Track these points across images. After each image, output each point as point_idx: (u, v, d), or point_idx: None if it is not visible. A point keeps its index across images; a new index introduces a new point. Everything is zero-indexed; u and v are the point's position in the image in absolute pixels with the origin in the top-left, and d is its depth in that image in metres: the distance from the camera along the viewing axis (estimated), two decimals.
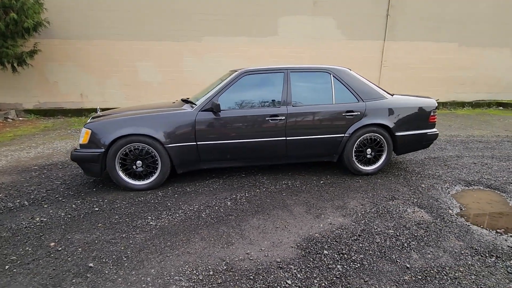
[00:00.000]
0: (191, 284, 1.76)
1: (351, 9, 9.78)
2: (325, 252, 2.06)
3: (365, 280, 1.79)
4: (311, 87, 3.45)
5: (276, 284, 1.75)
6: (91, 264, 1.94)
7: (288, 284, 1.75)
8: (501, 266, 1.92)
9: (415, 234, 2.28)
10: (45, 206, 2.79)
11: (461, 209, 2.72)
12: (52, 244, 2.18)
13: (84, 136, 3.05)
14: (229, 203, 2.84)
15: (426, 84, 10.76)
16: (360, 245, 2.14)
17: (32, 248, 2.12)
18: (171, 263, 1.95)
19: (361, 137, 3.44)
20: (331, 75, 3.48)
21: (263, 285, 1.74)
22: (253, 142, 3.26)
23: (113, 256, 2.03)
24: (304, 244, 2.16)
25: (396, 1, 9.93)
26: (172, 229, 2.37)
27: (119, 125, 3.05)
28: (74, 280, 1.80)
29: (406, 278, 1.80)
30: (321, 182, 3.37)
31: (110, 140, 2.99)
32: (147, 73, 9.10)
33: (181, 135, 3.13)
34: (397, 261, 1.96)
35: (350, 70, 3.63)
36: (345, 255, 2.02)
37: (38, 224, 2.46)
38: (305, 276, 1.82)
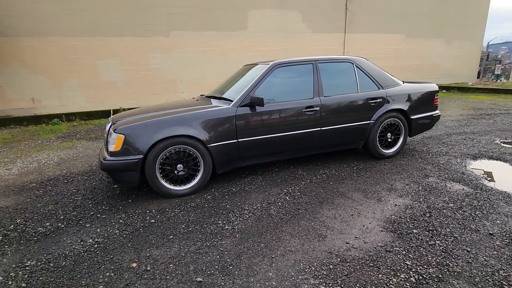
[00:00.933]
0: (321, 280, 1.72)
1: (314, 2, 10.14)
2: (415, 231, 2.18)
3: (468, 250, 1.95)
4: (337, 77, 3.54)
5: (398, 267, 1.81)
6: (199, 279, 1.77)
7: (409, 264, 1.83)
8: None
9: (473, 205, 2.54)
10: (87, 225, 2.43)
11: (487, 179, 3.09)
12: (134, 264, 1.92)
13: (116, 142, 2.71)
14: (287, 197, 2.81)
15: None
16: (438, 221, 2.31)
17: (114, 274, 1.84)
18: (283, 263, 1.88)
19: (383, 123, 3.66)
20: (353, 65, 3.63)
21: (388, 270, 1.79)
22: (291, 135, 3.25)
23: (216, 266, 1.87)
24: (391, 227, 2.25)
25: None
26: (254, 230, 2.27)
27: (157, 127, 2.77)
28: None
29: (498, 243, 2.01)
30: (354, 168, 3.52)
31: (150, 144, 2.72)
32: (110, 72, 8.31)
33: (223, 133, 2.98)
34: (478, 230, 2.17)
35: (367, 59, 3.81)
36: (434, 231, 2.17)
37: (96, 246, 2.14)
38: (416, 255, 1.92)
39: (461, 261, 1.84)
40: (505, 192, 2.75)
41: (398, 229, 2.22)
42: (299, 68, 3.40)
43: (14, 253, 2.09)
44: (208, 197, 2.89)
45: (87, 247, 2.12)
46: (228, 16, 9.14)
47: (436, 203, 2.59)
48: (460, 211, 2.43)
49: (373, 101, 3.57)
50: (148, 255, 2.02)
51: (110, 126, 2.99)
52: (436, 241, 2.04)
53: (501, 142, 4.36)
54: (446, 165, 3.49)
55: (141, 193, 3.02)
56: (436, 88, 4.04)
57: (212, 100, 3.41)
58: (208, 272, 1.83)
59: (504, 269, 1.75)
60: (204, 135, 2.89)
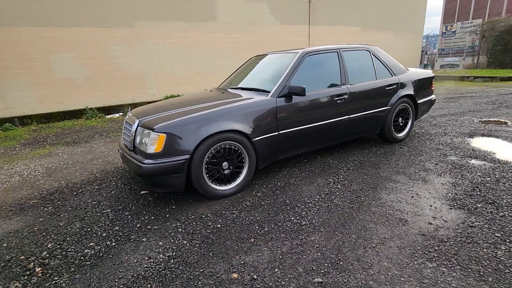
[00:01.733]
0: (438, 262, 1.73)
1: None
2: (479, 205, 2.33)
3: None
4: (357, 65, 3.59)
5: (493, 240, 1.91)
6: (318, 279, 1.65)
7: (499, 236, 1.94)
8: None
9: (506, 176, 2.80)
10: (143, 240, 2.10)
11: (495, 153, 3.44)
12: (235, 275, 1.71)
13: (157, 142, 2.38)
14: (338, 186, 2.78)
15: None
16: (490, 193, 2.50)
17: None
18: (389, 252, 1.85)
19: (397, 108, 3.84)
20: (370, 53, 3.71)
21: (487, 244, 1.88)
22: (324, 124, 3.22)
23: (325, 264, 1.77)
24: (455, 204, 2.37)
25: None
26: (334, 222, 2.19)
27: (203, 123, 2.50)
28: None
29: None
30: (378, 153, 3.64)
31: (197, 142, 2.45)
32: (67, 67, 7.33)
33: (266, 125, 2.82)
34: None
35: (379, 48, 3.94)
36: (495, 203, 2.34)
37: (173, 261, 1.86)
38: (498, 226, 2.04)
39: None
40: None
41: (463, 205, 2.34)
42: (326, 56, 3.36)
43: (72, 284, 1.71)
44: (258, 194, 2.72)
45: (163, 264, 1.83)
46: (197, 6, 8.69)
47: (475, 178, 2.80)
48: (501, 183, 2.67)
49: (390, 87, 3.71)
50: (242, 262, 1.82)
51: (138, 125, 2.62)
52: (505, 212, 2.21)
53: (480, 121, 4.90)
54: (454, 144, 3.80)
55: (176, 197, 2.72)
56: (432, 74, 4.36)
57: (241, 92, 3.19)
58: (321, 271, 1.71)
59: None
60: (249, 129, 2.69)
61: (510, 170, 2.93)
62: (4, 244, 2.14)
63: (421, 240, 1.94)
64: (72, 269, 1.84)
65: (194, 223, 2.28)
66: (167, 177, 2.43)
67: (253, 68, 3.67)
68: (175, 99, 3.58)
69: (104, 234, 2.19)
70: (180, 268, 1.80)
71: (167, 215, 2.42)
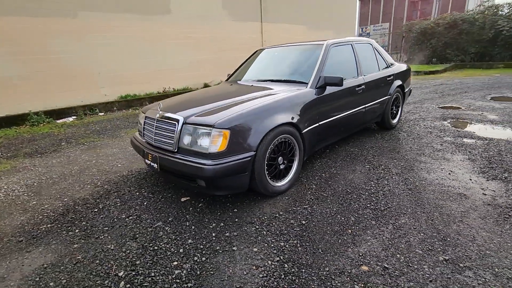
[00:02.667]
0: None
1: None
2: (506, 175, 2.69)
3: None
4: (365, 57, 3.78)
5: None
6: (444, 257, 1.70)
7: None
8: None
9: (504, 149, 3.29)
10: (234, 249, 1.86)
11: (474, 132, 4.02)
12: (365, 267, 1.65)
13: (222, 140, 2.13)
14: (381, 171, 2.90)
15: None
16: (506, 164, 2.90)
17: (356, 283, 1.54)
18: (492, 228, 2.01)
19: (393, 96, 4.18)
20: (372, 46, 3.95)
21: None
22: (348, 114, 3.31)
23: (448, 239, 1.83)
24: (488, 176, 2.69)
25: None
26: (413, 204, 2.28)
27: (262, 116, 2.33)
28: None
29: None
30: (386, 139, 3.90)
31: (262, 136, 2.27)
32: None
33: (310, 117, 2.77)
34: None
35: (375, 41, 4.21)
36: None
37: (286, 264, 1.69)
38: None
39: None
40: (504, 139, 3.68)
41: (495, 176, 2.68)
42: (344, 48, 3.45)
43: None
44: (312, 187, 2.66)
45: (279, 270, 1.66)
46: None
47: (483, 153, 3.22)
48: (504, 155, 3.12)
49: (389, 78, 4.00)
50: (359, 254, 1.76)
51: (183, 123, 2.30)
52: None
53: (440, 107, 5.66)
54: (439, 127, 4.31)
55: (226, 200, 2.48)
56: (409, 67, 4.86)
57: (272, 84, 3.06)
58: (438, 249, 1.77)
59: None
60: (299, 121, 2.61)
61: (500, 144, 3.45)
62: (52, 284, 1.65)
63: (492, 209, 2.16)
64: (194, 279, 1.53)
65: (273, 223, 2.12)
66: (231, 178, 2.19)
67: (270, 61, 3.56)
68: (195, 93, 3.26)
69: (180, 250, 1.87)
70: (303, 271, 1.65)
71: (236, 219, 2.19)
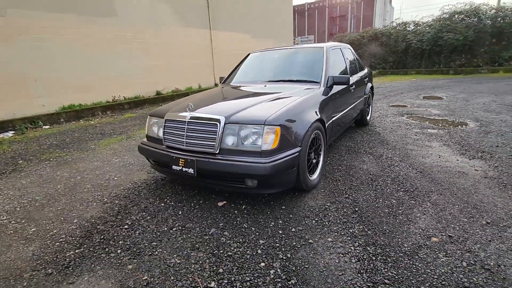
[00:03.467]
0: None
1: None
2: (480, 154, 3.25)
3: None
4: (348, 60, 4.13)
5: None
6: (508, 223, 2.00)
7: None
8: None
9: (463, 135, 3.95)
10: (310, 242, 1.86)
11: (433, 123, 4.74)
12: (435, 239, 1.84)
13: (274, 137, 2.12)
14: (387, 160, 3.21)
15: None
16: (475, 146, 3.50)
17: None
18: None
19: (368, 96, 4.66)
20: (351, 50, 4.35)
21: None
22: (348, 110, 3.59)
23: (484, 209, 2.14)
24: (469, 156, 3.21)
25: None
26: (436, 184, 2.59)
27: (301, 113, 2.40)
28: None
29: None
30: (369, 135, 4.31)
31: (304, 131, 2.34)
32: None
33: (327, 114, 2.92)
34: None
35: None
36: (485, 151, 3.32)
37: (368, 247, 1.78)
38: (510, 161, 2.97)
39: None
40: (457, 127, 4.41)
41: (474, 156, 3.21)
42: (337, 51, 3.72)
43: None
44: (338, 178, 2.80)
45: (364, 253, 1.73)
46: None
47: (451, 140, 3.82)
48: (471, 139, 3.76)
49: (365, 79, 4.46)
50: (421, 229, 1.95)
51: (225, 123, 2.21)
52: (497, 155, 3.19)
53: (390, 106, 6.49)
54: (403, 122, 4.95)
55: (260, 200, 2.46)
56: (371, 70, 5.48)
57: (284, 84, 3.14)
58: (489, 217, 2.06)
59: None
60: (324, 117, 2.74)
61: (457, 132, 4.15)
62: None
63: (490, 181, 2.60)
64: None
65: (328, 214, 2.18)
66: (282, 175, 2.19)
67: (273, 63, 3.66)
68: (206, 94, 3.16)
69: (258, 251, 1.79)
70: (387, 250, 1.75)
71: (290, 215, 2.18)
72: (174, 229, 2.08)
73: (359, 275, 1.57)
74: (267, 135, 2.10)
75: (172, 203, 2.45)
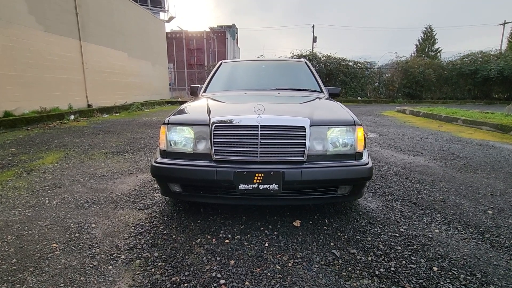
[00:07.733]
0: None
1: None
2: (414, 152, 4.15)
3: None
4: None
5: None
6: None
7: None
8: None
9: (393, 138, 4.94)
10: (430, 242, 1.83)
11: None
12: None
13: (362, 137, 2.01)
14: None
15: (115, 88, 11.32)
16: (403, 145, 4.42)
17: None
18: None
19: None
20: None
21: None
22: None
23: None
24: (411, 155, 4.02)
25: (81, 1, 9.26)
26: (418, 179, 3.08)
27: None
28: None
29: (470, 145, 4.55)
30: None
31: None
32: None
33: None
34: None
35: None
36: (411, 148, 4.28)
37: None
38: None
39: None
40: (384, 135, 5.46)
41: (414, 154, 4.05)
42: (308, 65, 3.86)
43: None
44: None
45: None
46: None
47: (385, 143, 4.69)
48: (399, 142, 4.72)
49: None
50: (453, 214, 2.29)
51: (310, 125, 1.93)
52: (416, 147, 4.17)
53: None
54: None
55: (321, 212, 2.26)
56: None
57: (292, 92, 3.00)
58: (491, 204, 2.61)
59: None
60: None
61: (387, 136, 5.15)
62: None
63: (457, 170, 3.28)
64: None
65: (387, 219, 2.21)
66: None
67: (265, 73, 3.50)
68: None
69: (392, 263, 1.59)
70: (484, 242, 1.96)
71: (361, 229, 2.07)
72: (252, 247, 1.55)
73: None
74: (358, 135, 1.96)
75: (238, 237, 1.82)
